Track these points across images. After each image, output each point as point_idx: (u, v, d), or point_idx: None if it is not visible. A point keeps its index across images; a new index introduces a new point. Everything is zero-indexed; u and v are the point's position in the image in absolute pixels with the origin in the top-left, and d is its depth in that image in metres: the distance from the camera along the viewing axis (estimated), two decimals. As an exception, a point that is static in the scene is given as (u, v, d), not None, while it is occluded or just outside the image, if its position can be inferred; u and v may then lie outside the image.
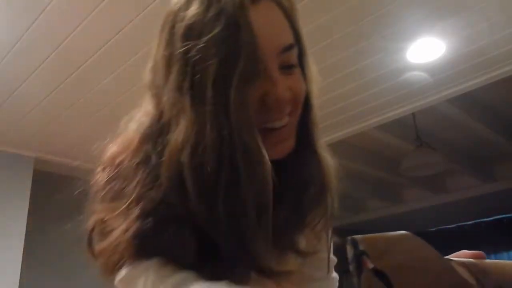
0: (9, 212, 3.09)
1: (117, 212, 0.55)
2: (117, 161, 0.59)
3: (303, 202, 0.60)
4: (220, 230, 0.50)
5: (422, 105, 3.04)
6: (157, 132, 0.56)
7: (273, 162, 0.55)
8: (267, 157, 0.52)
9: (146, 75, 0.61)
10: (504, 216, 4.98)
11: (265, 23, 0.55)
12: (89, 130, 2.90)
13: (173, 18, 0.56)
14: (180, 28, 0.54)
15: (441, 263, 0.50)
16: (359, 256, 0.47)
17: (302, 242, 0.61)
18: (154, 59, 0.59)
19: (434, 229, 5.31)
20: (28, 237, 3.10)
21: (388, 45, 2.39)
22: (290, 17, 0.60)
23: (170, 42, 0.56)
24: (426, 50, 2.48)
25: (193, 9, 0.53)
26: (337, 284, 0.74)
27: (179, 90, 0.53)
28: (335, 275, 0.74)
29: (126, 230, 0.53)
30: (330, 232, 0.65)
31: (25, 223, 3.10)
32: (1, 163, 3.14)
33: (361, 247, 0.47)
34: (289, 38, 0.59)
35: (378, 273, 0.46)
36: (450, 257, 0.54)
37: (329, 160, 0.64)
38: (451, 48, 2.46)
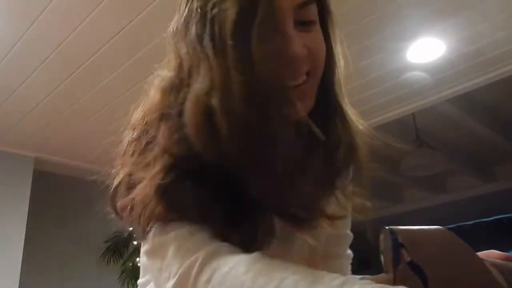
0: (9, 212, 3.09)
1: (141, 166, 0.55)
2: (143, 118, 0.60)
3: (333, 162, 0.60)
4: (255, 170, 0.50)
5: (422, 105, 3.04)
6: (178, 83, 0.57)
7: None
8: (293, 99, 0.52)
9: (169, 30, 0.61)
10: (504, 216, 4.96)
11: None
12: (89, 130, 2.91)
13: None
14: None
15: (475, 262, 0.50)
16: (397, 248, 0.46)
17: (331, 206, 0.61)
18: (177, 14, 0.59)
19: (434, 229, 5.30)
20: (28, 236, 3.11)
21: (388, 45, 2.39)
22: None
23: (188, 1, 0.57)
24: (426, 50, 2.48)
25: None
26: (350, 262, 0.74)
27: (199, 41, 0.54)
28: (349, 252, 0.75)
29: (149, 185, 0.53)
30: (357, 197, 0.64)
31: (25, 223, 3.10)
32: (1, 163, 3.14)
33: (400, 239, 0.47)
34: None
35: (414, 266, 0.45)
36: (480, 255, 0.55)
37: (356, 122, 0.65)
38: (451, 48, 2.47)
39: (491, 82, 2.76)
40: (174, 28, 0.59)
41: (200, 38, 0.54)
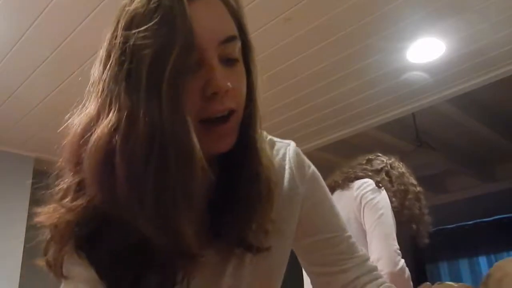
0: (9, 212, 3.09)
1: (49, 213, 0.57)
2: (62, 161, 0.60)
3: (249, 197, 0.61)
4: (146, 214, 0.50)
5: (422, 105, 3.04)
6: (90, 123, 0.56)
7: (222, 156, 0.59)
8: (198, 148, 0.52)
9: (92, 71, 0.61)
10: (504, 216, 4.97)
11: (206, 15, 0.56)
12: (89, 130, 2.90)
13: (119, 13, 0.58)
14: (122, 21, 0.56)
15: None
16: None
17: (253, 238, 0.62)
18: (100, 54, 0.59)
19: (434, 229, 5.30)
20: (28, 236, 3.10)
21: (388, 45, 2.39)
22: (234, 12, 0.61)
23: (113, 36, 0.57)
24: (426, 50, 2.48)
25: (136, 2, 0.55)
26: None
27: (115, 79, 0.53)
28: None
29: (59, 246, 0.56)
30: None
31: (25, 223, 3.10)
32: (1, 163, 3.14)
33: None
34: (230, 30, 0.59)
35: None
36: None
37: (268, 159, 0.65)
38: (451, 48, 2.46)
39: (491, 82, 2.75)
40: (97, 63, 0.59)
41: (116, 75, 0.53)
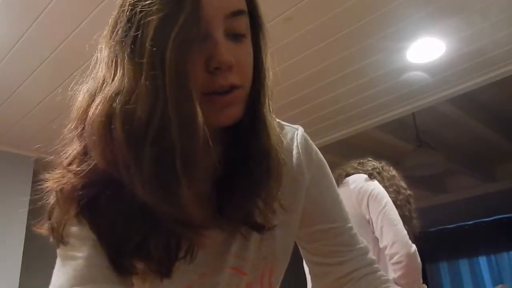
0: (9, 212, 3.08)
1: (56, 179, 0.57)
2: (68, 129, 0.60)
3: (256, 174, 0.60)
4: (144, 178, 0.50)
5: (422, 105, 3.04)
6: (96, 89, 0.57)
7: (229, 131, 0.58)
8: (200, 116, 0.51)
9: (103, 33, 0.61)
10: (504, 216, 4.98)
11: None
12: (89, 130, 2.90)
13: None
14: None
15: None
16: None
17: (258, 216, 0.62)
18: (109, 23, 0.59)
19: (434, 229, 5.31)
20: (28, 236, 3.10)
21: (388, 45, 2.39)
22: None
23: (122, 3, 0.57)
24: (426, 50, 2.48)
25: None
26: None
27: (121, 45, 0.54)
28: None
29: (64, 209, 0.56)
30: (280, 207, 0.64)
31: (25, 223, 3.10)
32: (1, 163, 3.14)
33: None
34: (238, 4, 0.58)
35: None
36: None
37: (277, 136, 0.64)
38: (451, 48, 2.46)
39: (491, 82, 2.75)
40: (105, 32, 0.59)
41: (122, 41, 0.54)
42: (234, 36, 0.57)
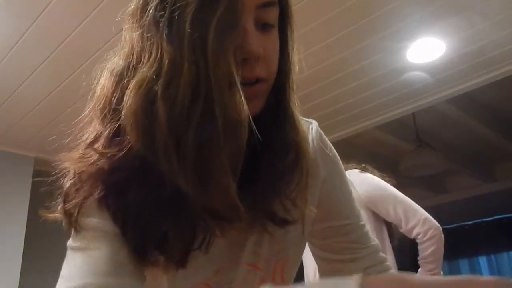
0: (9, 212, 3.09)
1: (84, 165, 0.54)
2: (92, 109, 0.58)
3: (280, 167, 0.59)
4: (186, 165, 0.49)
5: (422, 105, 3.04)
6: (126, 69, 0.55)
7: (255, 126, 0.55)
8: (244, 101, 0.50)
9: (127, 11, 0.59)
10: (504, 216, 4.98)
11: None
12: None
13: None
14: None
15: None
16: None
17: (279, 210, 0.60)
18: (131, 8, 0.58)
19: (434, 229, 5.31)
20: (28, 236, 3.10)
21: (388, 45, 2.39)
22: None
23: None
24: (426, 50, 2.48)
25: None
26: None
27: (156, 25, 0.52)
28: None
29: (85, 195, 0.53)
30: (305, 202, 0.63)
31: (25, 223, 3.10)
32: (1, 163, 3.14)
33: None
34: None
35: None
36: None
37: (303, 130, 0.63)
38: (451, 48, 2.47)
39: (491, 82, 2.75)
40: (132, 10, 0.57)
41: (157, 22, 0.52)
42: (263, 27, 0.56)
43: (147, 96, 0.50)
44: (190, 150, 0.48)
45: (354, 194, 0.79)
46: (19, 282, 2.98)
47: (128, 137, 0.51)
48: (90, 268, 0.51)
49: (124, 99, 0.52)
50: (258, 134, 0.52)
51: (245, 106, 0.50)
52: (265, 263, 0.66)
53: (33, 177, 3.23)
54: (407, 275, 0.27)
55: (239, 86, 0.50)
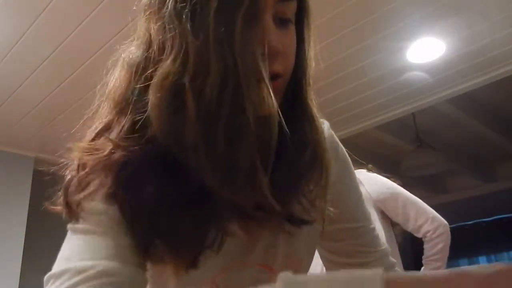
0: (9, 212, 3.09)
1: (92, 156, 0.53)
2: (106, 100, 0.57)
3: (299, 165, 0.57)
4: (214, 157, 0.48)
5: (422, 105, 3.04)
6: (145, 61, 0.54)
7: None
8: (272, 95, 0.49)
9: (142, 2, 0.58)
10: (504, 216, 4.97)
11: None
12: (89, 130, 2.90)
13: None
14: None
15: None
16: None
17: (298, 209, 0.58)
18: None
19: (434, 229, 5.31)
20: (28, 236, 3.10)
21: (388, 45, 2.39)
22: None
23: None
24: (426, 50, 2.48)
25: None
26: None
27: (178, 17, 0.51)
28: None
29: (97, 188, 0.52)
30: (324, 201, 0.61)
31: (25, 223, 3.10)
32: (1, 163, 3.14)
33: None
34: None
35: None
36: None
37: (321, 128, 0.62)
38: (451, 48, 2.47)
39: (491, 82, 2.76)
40: (148, 0, 0.56)
41: (179, 14, 0.50)
42: (281, 22, 0.55)
43: (173, 88, 0.49)
44: (220, 145, 0.48)
45: (364, 194, 0.77)
46: (19, 282, 2.98)
47: (149, 130, 0.51)
48: (90, 250, 0.50)
49: (149, 91, 0.51)
50: (285, 129, 0.51)
51: (275, 101, 0.49)
52: (279, 264, 0.65)
53: (33, 177, 3.24)
54: (429, 274, 0.27)
55: (267, 81, 0.49)
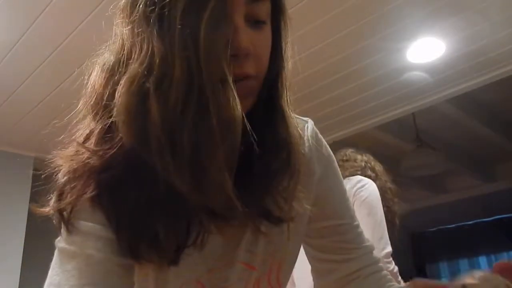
0: (9, 212, 3.09)
1: (68, 158, 0.54)
2: (83, 105, 0.58)
3: (272, 165, 0.58)
4: (182, 163, 0.48)
5: (422, 105, 3.04)
6: (117, 65, 0.54)
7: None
8: (236, 97, 0.49)
9: (118, 6, 0.58)
10: (504, 216, 4.98)
11: None
12: (89, 130, 2.90)
13: None
14: None
15: None
16: None
17: (274, 208, 0.59)
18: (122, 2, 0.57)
19: (434, 229, 5.32)
20: (28, 236, 3.10)
21: (388, 45, 2.39)
22: None
23: None
24: (426, 50, 2.48)
25: None
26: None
27: (146, 20, 0.51)
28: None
29: (78, 193, 0.53)
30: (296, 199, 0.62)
31: (25, 223, 3.10)
32: (1, 163, 3.14)
33: None
34: None
35: None
36: None
37: (296, 128, 0.62)
38: (451, 48, 2.46)
39: (491, 82, 2.75)
40: (122, 4, 0.57)
41: (147, 17, 0.51)
42: (254, 23, 0.55)
43: (139, 92, 0.49)
44: (186, 148, 0.48)
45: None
46: (19, 282, 2.98)
47: (120, 134, 0.51)
48: (79, 277, 0.51)
49: (116, 95, 0.51)
50: (251, 131, 0.51)
51: (238, 103, 0.49)
52: (260, 263, 0.65)
53: (33, 177, 3.23)
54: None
55: (231, 83, 0.49)
